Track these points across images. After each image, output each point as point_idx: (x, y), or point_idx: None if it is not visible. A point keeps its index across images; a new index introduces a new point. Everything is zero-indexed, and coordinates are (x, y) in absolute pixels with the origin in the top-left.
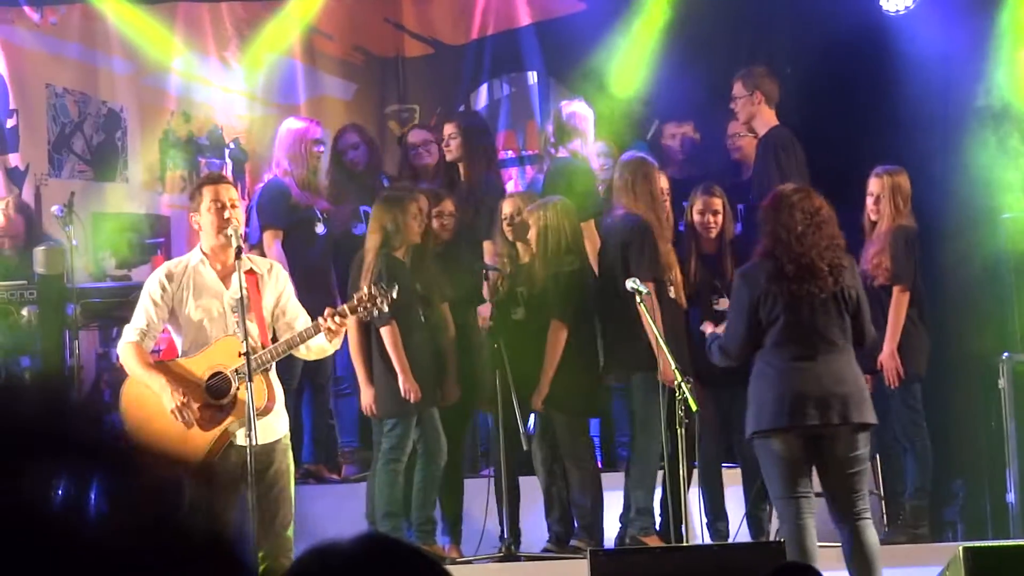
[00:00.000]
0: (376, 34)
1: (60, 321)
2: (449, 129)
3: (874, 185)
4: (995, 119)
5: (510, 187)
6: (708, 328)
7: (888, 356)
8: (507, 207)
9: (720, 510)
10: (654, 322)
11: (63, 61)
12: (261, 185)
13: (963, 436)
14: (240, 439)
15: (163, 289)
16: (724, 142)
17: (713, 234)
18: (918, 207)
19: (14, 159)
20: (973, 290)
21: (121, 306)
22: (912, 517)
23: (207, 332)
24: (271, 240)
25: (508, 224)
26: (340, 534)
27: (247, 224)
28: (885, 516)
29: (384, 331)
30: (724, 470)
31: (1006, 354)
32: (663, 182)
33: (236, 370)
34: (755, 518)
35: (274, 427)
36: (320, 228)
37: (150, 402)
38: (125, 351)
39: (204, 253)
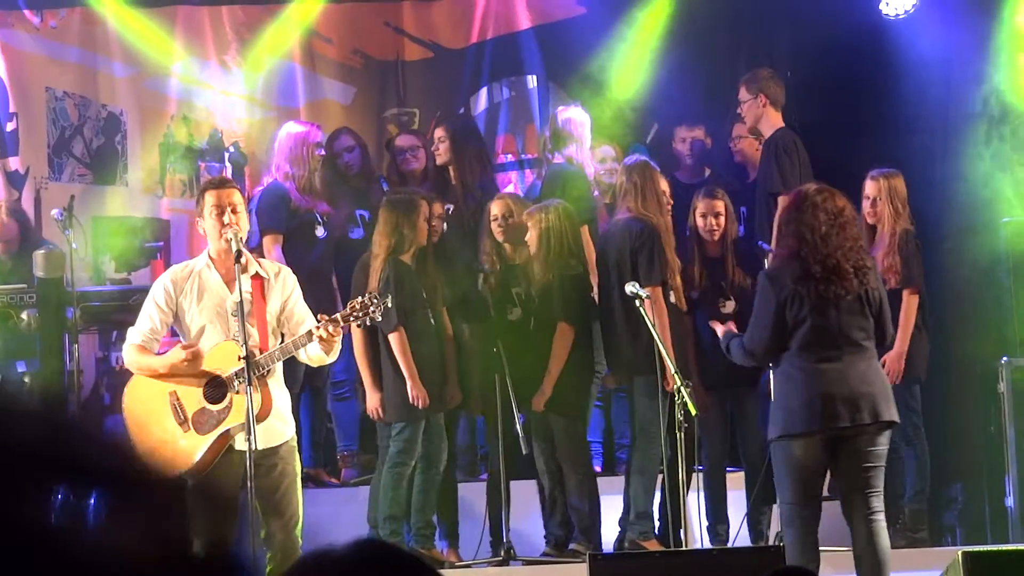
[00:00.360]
0: (376, 38)
1: (60, 325)
2: (439, 133)
3: (870, 188)
4: (994, 123)
5: (509, 190)
6: (718, 327)
7: (896, 358)
8: (497, 208)
9: (722, 514)
10: (658, 326)
11: (63, 64)
12: (260, 189)
13: (962, 440)
14: (240, 443)
15: (167, 293)
16: (720, 146)
17: (716, 237)
18: (917, 211)
19: (14, 162)
20: (972, 294)
21: (121, 310)
22: (911, 521)
23: (210, 336)
24: (271, 244)
25: (499, 225)
26: (339, 538)
27: None
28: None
29: (392, 337)
30: (729, 475)
31: (1005, 358)
32: (664, 186)
33: (234, 374)
34: (755, 522)
35: (277, 431)
36: (321, 231)
37: (151, 403)
38: (128, 352)
39: (210, 258)
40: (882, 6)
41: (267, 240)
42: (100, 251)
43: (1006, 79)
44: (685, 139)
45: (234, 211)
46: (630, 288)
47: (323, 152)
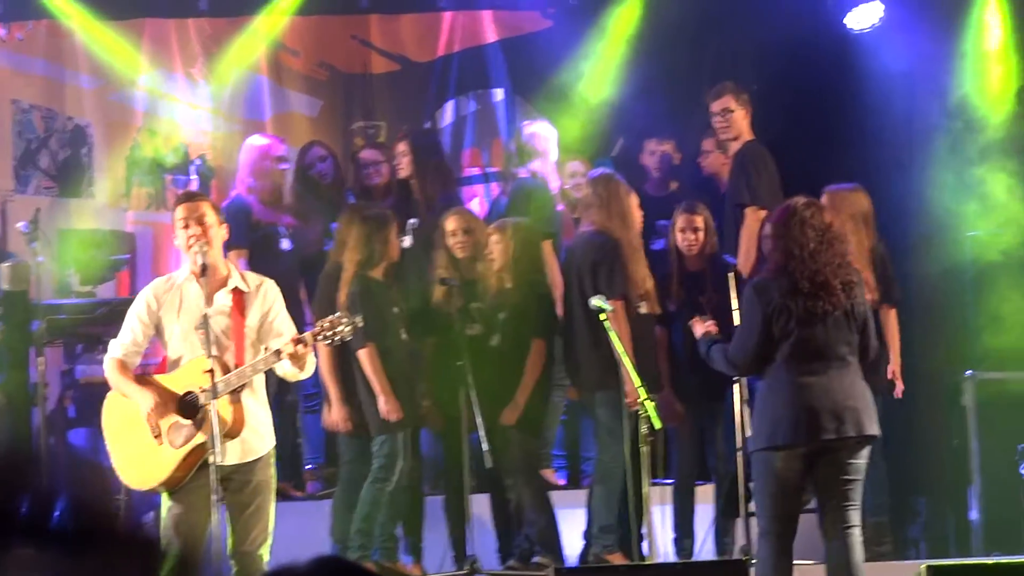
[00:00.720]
0: (342, 50)
1: (25, 338)
2: (401, 147)
3: (831, 204)
4: (959, 136)
5: (475, 204)
6: (698, 327)
7: (897, 375)
8: (452, 223)
9: (688, 527)
10: (620, 340)
11: (29, 77)
12: (226, 203)
13: (926, 454)
14: (217, 458)
15: (149, 306)
16: (687, 160)
17: (694, 251)
18: (883, 224)
19: None
20: (936, 308)
21: (86, 323)
22: (874, 534)
23: (187, 350)
24: (235, 259)
25: (459, 241)
26: (303, 553)
27: None
28: None
29: (361, 354)
30: (696, 487)
31: (969, 372)
32: (634, 198)
33: (203, 389)
34: (721, 535)
35: (253, 446)
36: (286, 244)
37: (128, 416)
38: (108, 365)
39: (191, 272)
40: (847, 20)
41: (231, 255)
42: (66, 264)
43: (970, 92)
44: (654, 152)
45: (199, 224)
46: (594, 302)
47: (286, 166)
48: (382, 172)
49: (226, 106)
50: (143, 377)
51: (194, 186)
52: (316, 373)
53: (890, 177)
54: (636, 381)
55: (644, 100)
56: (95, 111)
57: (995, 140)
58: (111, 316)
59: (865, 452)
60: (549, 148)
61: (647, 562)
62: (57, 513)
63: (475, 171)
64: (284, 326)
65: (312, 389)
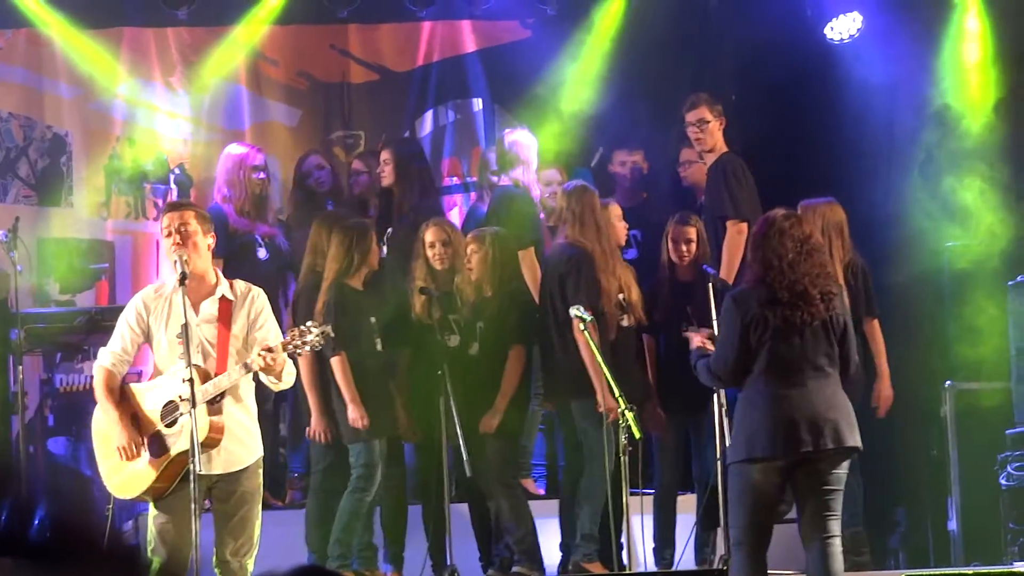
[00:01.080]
0: (321, 60)
1: (4, 346)
2: (384, 155)
3: (804, 217)
4: (937, 147)
5: (455, 213)
6: (695, 339)
7: (884, 387)
8: (432, 234)
9: (669, 537)
10: (583, 351)
11: (8, 85)
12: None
13: (905, 464)
14: (200, 467)
15: (139, 314)
16: (672, 169)
17: (686, 262)
18: (860, 235)
19: None
20: (914, 318)
21: (65, 331)
22: (853, 544)
23: (173, 359)
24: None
25: (437, 252)
26: (284, 563)
27: None
28: None
29: (334, 362)
30: (678, 497)
31: (948, 382)
32: (616, 209)
33: (179, 399)
34: (701, 544)
35: (237, 456)
36: (262, 253)
37: (111, 428)
38: (97, 373)
39: (178, 281)
40: (826, 31)
41: None
42: (45, 273)
43: (949, 103)
44: (624, 163)
45: (180, 232)
46: (574, 312)
47: (262, 176)
48: (364, 181)
49: (205, 115)
50: (125, 391)
51: (173, 195)
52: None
53: (868, 187)
54: (616, 391)
55: (623, 110)
56: (74, 120)
57: (973, 151)
58: (90, 325)
59: (846, 463)
60: (531, 156)
61: (627, 572)
62: (36, 524)
63: (455, 180)
64: (271, 335)
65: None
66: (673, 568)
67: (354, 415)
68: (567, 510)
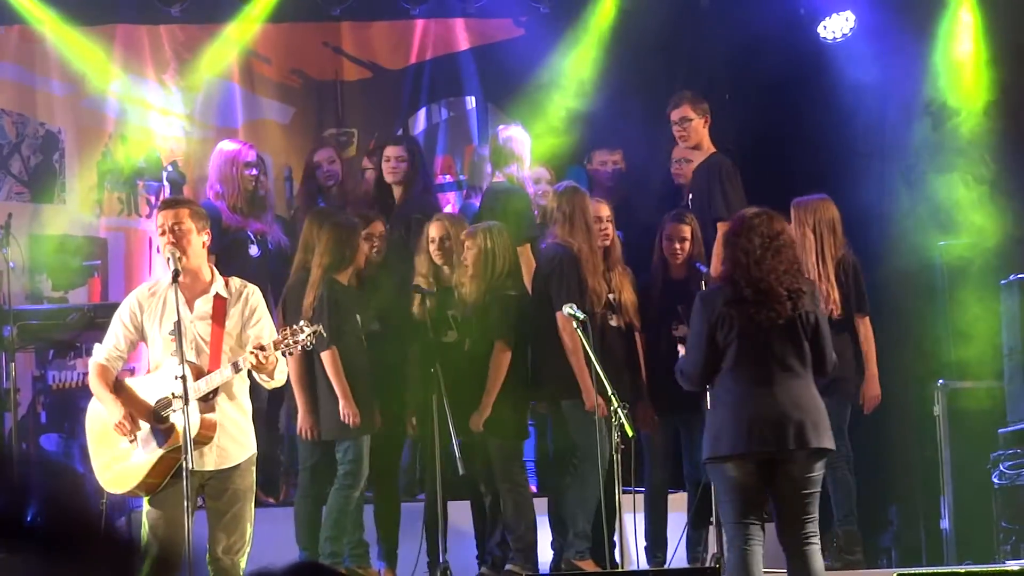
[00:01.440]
0: (314, 58)
1: None
2: (396, 151)
3: (795, 216)
4: (930, 145)
5: (447, 211)
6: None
7: (870, 387)
8: (435, 230)
9: (661, 536)
10: (569, 350)
11: (0, 82)
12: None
13: (898, 463)
14: (192, 464)
15: (133, 311)
16: (658, 169)
17: (679, 260)
18: (852, 233)
19: None
20: (906, 316)
21: (58, 328)
22: (845, 543)
23: (167, 356)
24: None
25: (437, 247)
26: (277, 560)
27: None
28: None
29: (324, 356)
30: (669, 495)
31: (940, 381)
32: (605, 210)
33: (171, 396)
34: (693, 543)
35: (230, 452)
36: (254, 250)
37: (106, 423)
38: (91, 370)
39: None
40: (819, 30)
41: None
42: (37, 269)
43: (941, 102)
44: (605, 162)
45: (174, 231)
46: (567, 311)
47: (254, 172)
48: (371, 178)
49: (198, 113)
50: (120, 383)
51: (166, 193)
52: None
53: (860, 186)
54: (607, 389)
55: (616, 108)
56: (67, 117)
57: (965, 148)
58: (83, 322)
59: (819, 465)
60: (525, 153)
61: (619, 570)
62: (30, 517)
63: (448, 178)
64: (266, 332)
65: None
66: (666, 566)
67: (345, 411)
68: (558, 508)
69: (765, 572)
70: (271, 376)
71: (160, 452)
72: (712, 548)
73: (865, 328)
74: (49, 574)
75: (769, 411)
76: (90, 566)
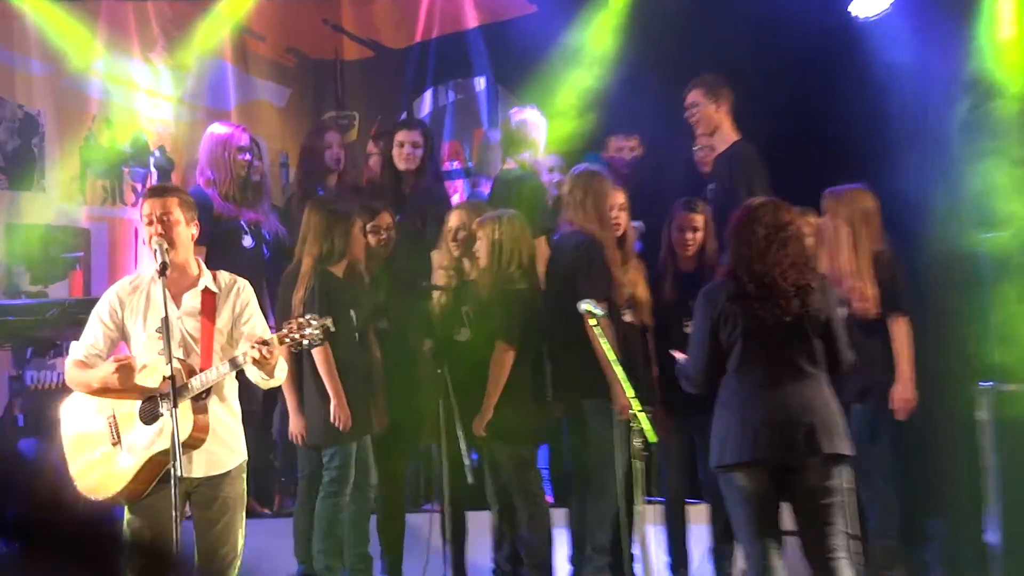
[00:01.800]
0: (312, 36)
1: None
2: (413, 136)
3: (828, 207)
4: (974, 129)
5: (455, 200)
6: (678, 355)
7: (901, 390)
8: (454, 219)
9: (681, 550)
10: (609, 346)
11: None
12: None
13: (941, 472)
14: (179, 470)
15: (113, 308)
16: (677, 156)
17: (690, 252)
18: (888, 226)
19: None
20: (948, 315)
21: (37, 325)
22: (883, 559)
23: (152, 355)
24: None
25: (454, 238)
26: (272, 573)
27: None
28: (863, 559)
29: (316, 353)
30: (688, 506)
31: (985, 384)
32: (619, 197)
33: (163, 395)
34: (719, 558)
35: (220, 459)
36: (247, 241)
37: (87, 422)
38: (68, 368)
39: (156, 271)
40: (852, 7)
41: None
42: (15, 262)
43: (983, 83)
44: (621, 148)
45: (162, 221)
46: (584, 306)
47: (247, 157)
48: (375, 165)
49: (188, 94)
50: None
51: (153, 179)
52: None
53: (897, 175)
54: (629, 391)
55: (635, 91)
56: (47, 98)
57: (1010, 133)
58: (63, 318)
59: (836, 472)
60: (540, 138)
61: None
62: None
63: (455, 165)
64: (259, 329)
65: None
66: None
67: (336, 412)
68: (578, 520)
69: None
70: (271, 374)
71: (148, 455)
72: (740, 562)
73: (900, 327)
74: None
75: (776, 415)
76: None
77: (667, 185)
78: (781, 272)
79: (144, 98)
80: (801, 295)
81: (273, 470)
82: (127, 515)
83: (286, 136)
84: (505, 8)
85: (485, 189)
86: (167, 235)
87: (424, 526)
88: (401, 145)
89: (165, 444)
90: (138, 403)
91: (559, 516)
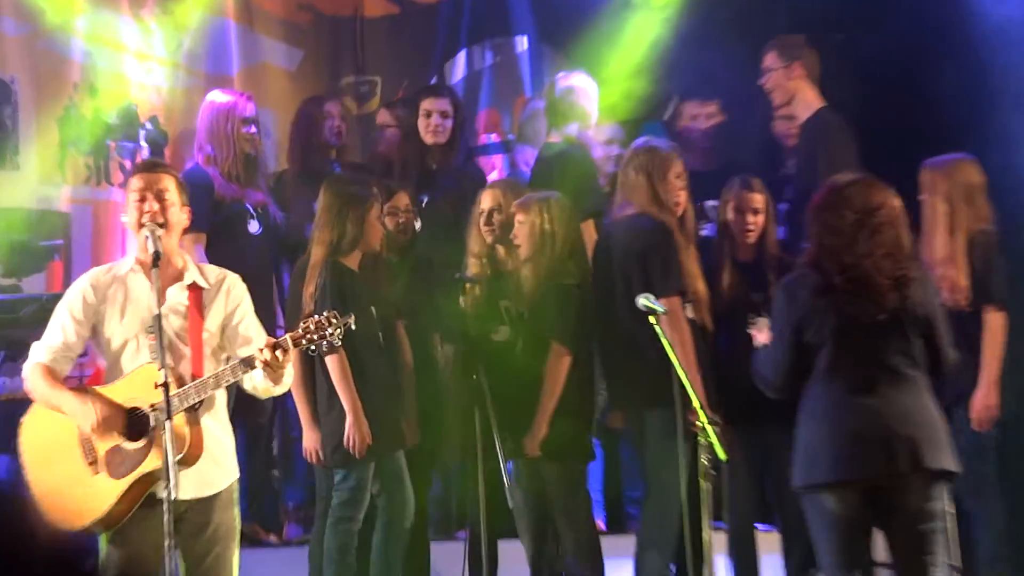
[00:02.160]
0: None
1: None
2: (440, 104)
3: (926, 181)
4: None
5: (493, 177)
6: (759, 336)
7: (983, 396)
8: (487, 200)
9: None
10: (677, 347)
11: None
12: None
13: None
14: (164, 492)
15: (85, 302)
16: (755, 126)
17: (751, 238)
18: (999, 206)
19: None
20: None
21: (10, 324)
22: None
23: (132, 357)
24: (191, 245)
25: (487, 222)
26: None
27: None
28: None
29: (330, 360)
30: (759, 534)
31: None
32: (678, 166)
33: (154, 406)
34: None
35: (212, 478)
36: (254, 226)
37: (56, 437)
38: (31, 373)
39: (138, 260)
40: None
41: (186, 241)
42: None
43: None
44: (696, 116)
45: (159, 199)
46: (643, 301)
47: (253, 130)
48: (390, 137)
49: (184, 57)
50: (81, 388)
51: (144, 155)
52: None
53: (1006, 145)
54: (695, 400)
55: (701, 54)
56: (21, 63)
57: None
58: (40, 316)
59: (940, 492)
60: (590, 106)
61: None
62: None
63: (493, 138)
64: (253, 331)
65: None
66: None
67: (351, 430)
68: (645, 550)
69: None
70: (278, 381)
71: (135, 476)
72: None
73: (993, 321)
74: None
75: (875, 427)
76: None
77: (747, 160)
78: (874, 263)
79: (133, 61)
80: (899, 287)
81: (280, 490)
82: (105, 547)
83: (297, 105)
84: None
85: (528, 167)
86: (162, 214)
87: (456, 556)
88: (428, 115)
89: (153, 463)
90: (118, 417)
91: (614, 545)
